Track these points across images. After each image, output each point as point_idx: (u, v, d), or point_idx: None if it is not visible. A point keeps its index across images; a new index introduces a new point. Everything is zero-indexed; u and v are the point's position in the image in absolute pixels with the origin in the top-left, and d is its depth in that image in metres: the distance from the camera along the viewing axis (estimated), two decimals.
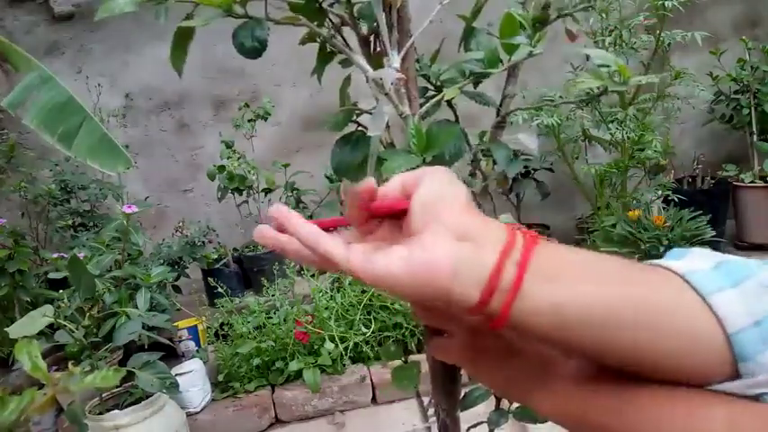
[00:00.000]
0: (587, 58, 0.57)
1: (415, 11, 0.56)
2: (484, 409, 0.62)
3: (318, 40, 0.57)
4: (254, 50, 0.53)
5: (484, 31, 0.61)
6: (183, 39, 0.54)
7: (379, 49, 0.57)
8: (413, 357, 2.17)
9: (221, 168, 2.72)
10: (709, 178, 3.00)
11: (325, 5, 0.56)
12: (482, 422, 0.63)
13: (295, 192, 2.83)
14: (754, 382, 0.40)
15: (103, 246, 2.11)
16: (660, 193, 2.45)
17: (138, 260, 2.27)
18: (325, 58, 0.61)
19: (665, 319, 0.40)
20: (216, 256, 2.78)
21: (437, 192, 0.40)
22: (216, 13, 0.49)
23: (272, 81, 3.05)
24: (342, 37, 0.58)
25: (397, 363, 0.63)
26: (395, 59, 0.53)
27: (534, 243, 0.39)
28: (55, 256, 2.16)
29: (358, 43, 0.58)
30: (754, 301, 0.40)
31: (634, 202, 2.45)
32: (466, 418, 0.60)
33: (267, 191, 2.84)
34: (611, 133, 2.29)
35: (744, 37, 2.96)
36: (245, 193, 2.81)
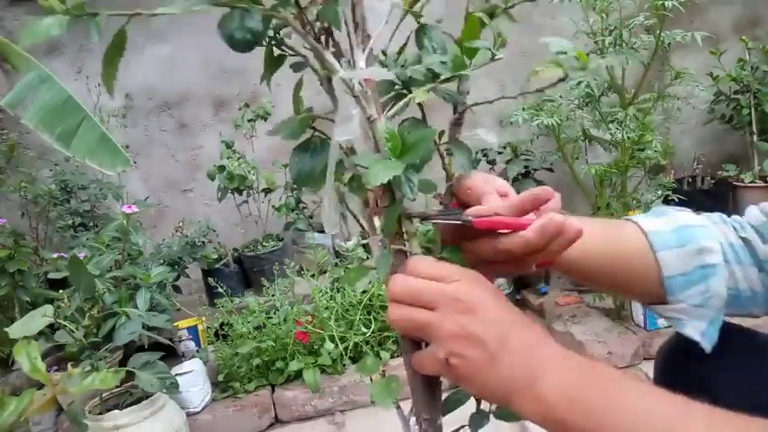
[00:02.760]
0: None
1: (371, 9, 0.54)
2: (466, 408, 0.61)
3: (264, 43, 0.53)
4: (246, 43, 0.46)
5: (437, 28, 0.59)
6: (115, 52, 0.48)
7: (333, 49, 0.54)
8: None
9: (221, 168, 2.72)
10: (709, 178, 3.00)
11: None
12: (464, 426, 0.62)
13: (295, 192, 2.83)
14: (673, 308, 0.67)
15: (103, 246, 2.11)
16: (660, 193, 2.45)
17: (138, 260, 2.27)
18: (272, 61, 0.57)
19: (631, 260, 0.67)
20: (216, 256, 2.78)
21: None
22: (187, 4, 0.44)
23: (272, 81, 3.04)
24: (316, 35, 0.54)
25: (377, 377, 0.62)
26: (360, 60, 0.52)
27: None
28: (55, 256, 2.16)
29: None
30: (688, 259, 0.65)
31: (634, 202, 2.45)
32: (449, 419, 0.59)
33: (267, 191, 2.84)
34: (611, 133, 2.29)
35: (744, 37, 2.96)
36: (245, 193, 2.81)
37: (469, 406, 0.60)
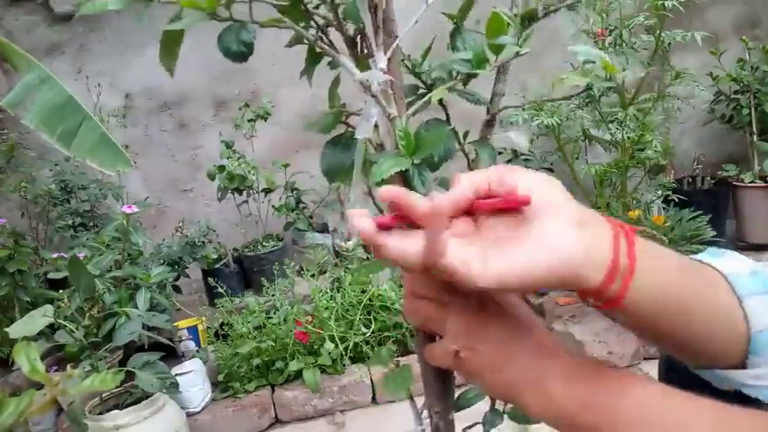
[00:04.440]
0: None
1: (400, 11, 0.56)
2: (480, 406, 0.61)
3: (306, 41, 0.57)
4: (241, 54, 0.52)
5: (471, 30, 0.61)
6: (172, 41, 0.53)
7: (366, 50, 0.56)
8: (410, 358, 2.15)
9: (221, 168, 2.72)
10: (709, 178, 3.00)
11: (310, 7, 0.55)
12: (477, 423, 0.63)
13: (295, 192, 2.83)
14: (758, 373, 0.49)
15: (103, 246, 2.11)
16: (660, 193, 2.45)
17: (138, 260, 2.27)
18: (314, 59, 0.60)
19: (715, 312, 0.48)
20: (216, 256, 2.78)
21: (543, 182, 0.43)
22: (200, 16, 0.48)
23: (272, 81, 3.05)
24: (328, 39, 0.58)
25: (390, 367, 0.63)
26: (381, 61, 0.53)
27: (633, 232, 0.44)
28: (55, 256, 2.16)
29: (345, 45, 0.58)
30: None
31: (634, 202, 2.45)
32: (462, 416, 0.60)
33: (267, 191, 2.84)
34: (611, 133, 2.29)
35: (744, 37, 2.96)
36: (245, 193, 2.81)
37: (484, 404, 0.61)
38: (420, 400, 0.59)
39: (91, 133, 1.89)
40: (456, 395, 0.59)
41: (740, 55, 2.97)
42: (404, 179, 0.53)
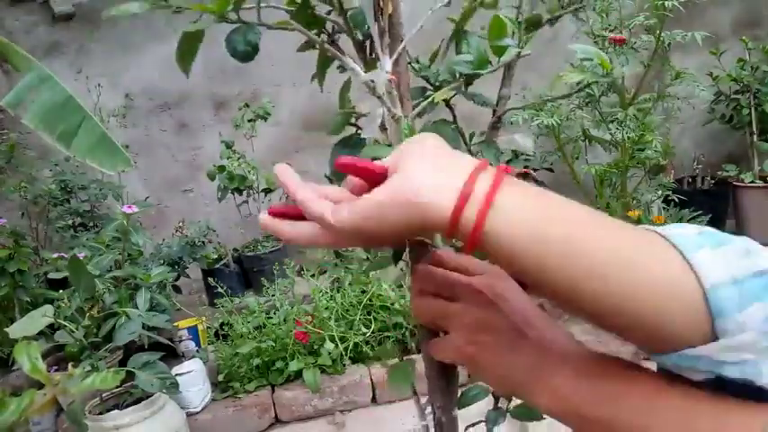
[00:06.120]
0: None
1: (409, 16, 0.58)
2: (483, 406, 0.62)
3: (317, 46, 0.59)
4: (247, 54, 0.54)
5: (476, 34, 0.63)
6: (191, 41, 0.56)
7: (374, 54, 0.58)
8: (411, 357, 2.18)
9: (221, 168, 2.72)
10: (709, 178, 3.00)
11: (321, 13, 0.57)
12: (480, 421, 0.64)
13: None
14: (734, 343, 0.36)
15: (103, 246, 2.11)
16: (660, 193, 2.45)
17: (138, 260, 2.27)
18: (324, 62, 0.62)
19: (641, 268, 0.37)
20: (216, 256, 2.78)
21: (411, 143, 0.44)
22: (210, 19, 0.51)
23: (272, 81, 3.05)
24: (335, 43, 0.60)
25: (394, 362, 0.64)
26: (386, 64, 0.55)
27: (507, 169, 0.41)
28: (55, 256, 2.16)
29: (354, 49, 0.60)
30: (734, 261, 0.38)
31: (634, 202, 2.45)
32: (465, 416, 0.60)
33: (267, 191, 2.84)
34: (611, 133, 2.29)
35: (744, 37, 2.96)
36: (245, 193, 2.81)
37: (486, 404, 0.62)
38: (423, 399, 0.60)
39: (91, 133, 1.89)
40: (459, 393, 0.60)
41: (740, 55, 2.97)
42: None
